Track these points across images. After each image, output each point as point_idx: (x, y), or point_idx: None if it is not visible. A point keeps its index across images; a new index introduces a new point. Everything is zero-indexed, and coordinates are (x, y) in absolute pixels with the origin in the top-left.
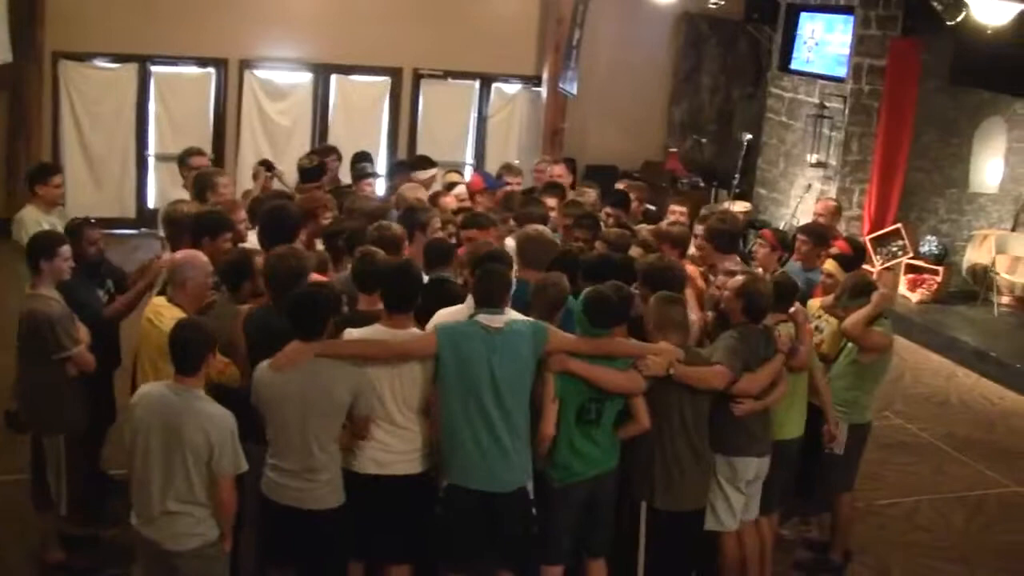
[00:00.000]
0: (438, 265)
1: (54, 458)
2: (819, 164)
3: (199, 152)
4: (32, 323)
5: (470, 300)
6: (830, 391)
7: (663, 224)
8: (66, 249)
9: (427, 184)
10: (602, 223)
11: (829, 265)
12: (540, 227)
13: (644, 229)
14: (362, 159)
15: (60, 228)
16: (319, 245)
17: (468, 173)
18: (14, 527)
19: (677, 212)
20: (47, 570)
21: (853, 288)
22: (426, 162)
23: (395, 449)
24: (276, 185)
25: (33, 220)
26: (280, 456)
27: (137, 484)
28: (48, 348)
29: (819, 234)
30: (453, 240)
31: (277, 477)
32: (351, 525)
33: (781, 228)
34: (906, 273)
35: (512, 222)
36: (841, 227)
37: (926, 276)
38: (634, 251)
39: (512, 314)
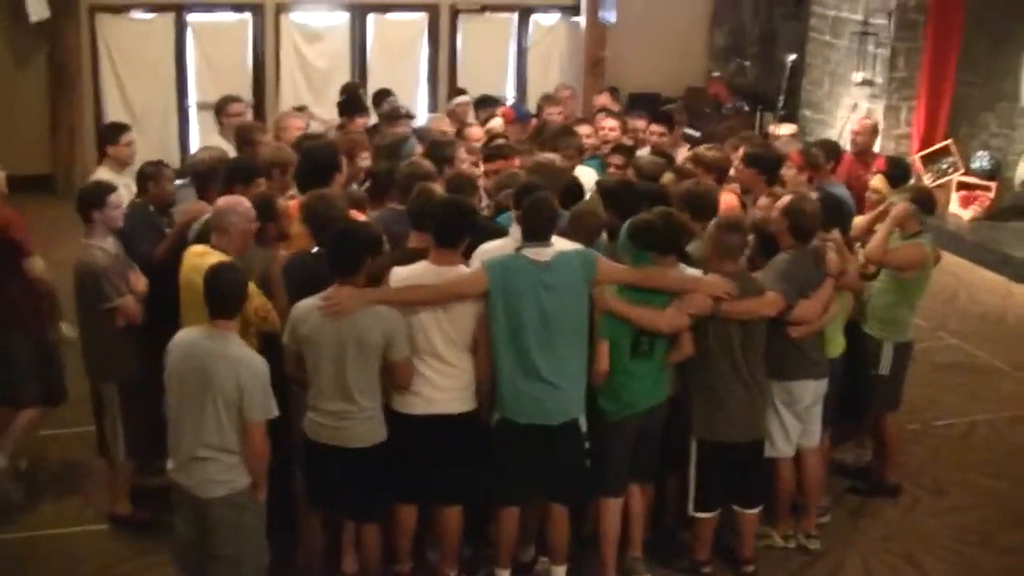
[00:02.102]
0: None
1: (109, 407)
2: (865, 83)
3: (236, 99)
4: (79, 274)
5: (514, 232)
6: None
7: (700, 149)
8: (115, 198)
9: (462, 114)
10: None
11: (876, 182)
12: (551, 155)
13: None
14: (383, 96)
15: (134, 188)
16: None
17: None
18: (79, 480)
19: (657, 132)
20: (113, 522)
21: (915, 199)
22: (458, 92)
23: (444, 387)
24: (312, 127)
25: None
26: (318, 397)
27: (172, 430)
28: (95, 299)
29: (829, 148)
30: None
31: (317, 417)
32: (398, 465)
33: (811, 149)
34: (958, 190)
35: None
36: (890, 146)
37: (978, 192)
38: (666, 178)
39: (560, 244)
